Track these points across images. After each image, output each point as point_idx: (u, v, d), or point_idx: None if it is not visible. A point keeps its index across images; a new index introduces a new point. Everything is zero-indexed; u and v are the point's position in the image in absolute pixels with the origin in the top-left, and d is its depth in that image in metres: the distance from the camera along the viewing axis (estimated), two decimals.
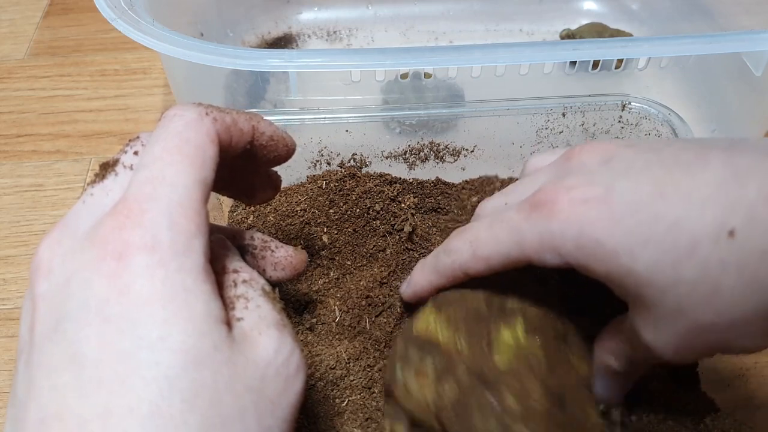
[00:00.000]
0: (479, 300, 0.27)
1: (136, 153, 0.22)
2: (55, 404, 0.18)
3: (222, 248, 0.24)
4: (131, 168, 0.22)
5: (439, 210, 0.40)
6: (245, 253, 0.26)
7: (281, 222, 0.38)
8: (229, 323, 0.21)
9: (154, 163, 0.20)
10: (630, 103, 0.40)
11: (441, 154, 0.42)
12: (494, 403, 0.24)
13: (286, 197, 0.40)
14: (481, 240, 0.26)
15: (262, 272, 0.26)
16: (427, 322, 0.27)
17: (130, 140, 0.23)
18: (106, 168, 0.22)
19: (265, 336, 0.21)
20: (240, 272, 0.23)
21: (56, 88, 0.60)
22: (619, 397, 0.28)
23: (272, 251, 0.27)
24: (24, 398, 0.19)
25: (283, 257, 0.27)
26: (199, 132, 0.21)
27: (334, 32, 0.62)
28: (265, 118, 0.25)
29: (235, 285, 0.22)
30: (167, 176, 0.20)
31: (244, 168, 0.26)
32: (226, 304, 0.21)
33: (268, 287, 0.23)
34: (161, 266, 0.19)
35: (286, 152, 0.26)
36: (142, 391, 0.18)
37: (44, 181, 0.52)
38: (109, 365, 0.18)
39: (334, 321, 0.34)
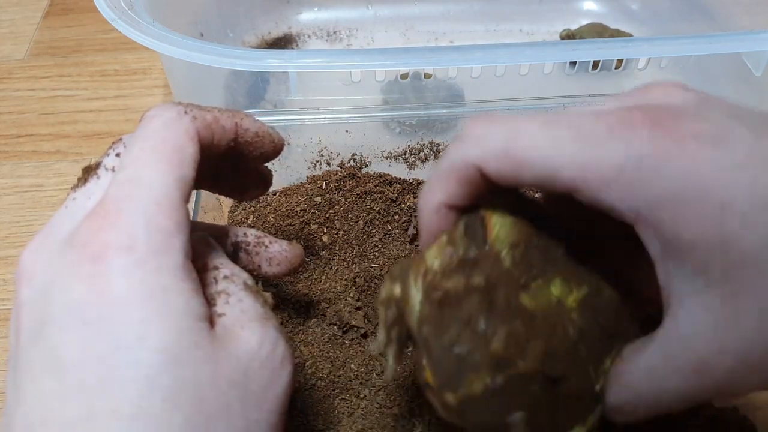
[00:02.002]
0: (534, 231, 0.22)
1: (118, 155, 0.22)
2: (40, 410, 0.18)
3: (203, 246, 0.24)
4: (113, 170, 0.22)
5: None
6: (239, 250, 0.26)
7: (281, 222, 0.38)
8: (212, 320, 0.20)
9: (132, 164, 0.20)
10: None
11: (441, 154, 0.42)
12: (484, 332, 0.20)
13: (286, 197, 0.40)
14: (527, 135, 0.19)
15: (257, 269, 0.26)
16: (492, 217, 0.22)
17: (113, 143, 0.23)
18: (89, 172, 0.22)
19: (247, 330, 0.21)
20: (221, 268, 0.23)
21: (56, 89, 0.60)
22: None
23: (266, 247, 0.26)
24: (12, 405, 0.19)
25: (278, 252, 0.27)
26: (178, 131, 0.21)
27: (334, 32, 0.62)
28: (249, 114, 0.24)
29: (216, 281, 0.22)
30: (144, 176, 0.20)
31: (232, 165, 0.26)
32: (208, 301, 0.21)
33: (250, 281, 0.23)
34: (139, 266, 0.19)
35: (272, 148, 0.26)
36: (122, 393, 0.18)
37: (44, 181, 0.52)
38: (90, 368, 0.18)
39: (334, 321, 0.34)
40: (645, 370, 0.20)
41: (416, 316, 0.22)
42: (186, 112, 0.22)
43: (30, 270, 0.20)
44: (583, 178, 0.18)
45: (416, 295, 0.22)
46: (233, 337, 0.20)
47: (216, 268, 0.23)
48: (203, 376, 0.19)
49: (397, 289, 0.23)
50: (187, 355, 0.19)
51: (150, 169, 0.20)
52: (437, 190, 0.22)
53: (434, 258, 0.22)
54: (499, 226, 0.22)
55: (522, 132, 0.20)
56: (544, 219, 0.23)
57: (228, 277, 0.22)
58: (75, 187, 0.22)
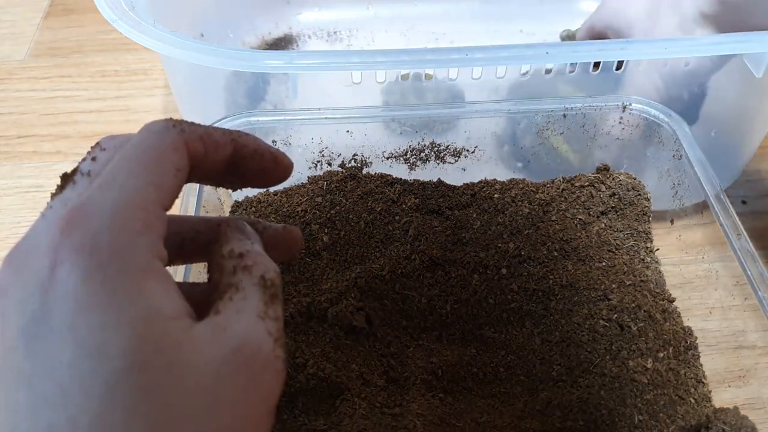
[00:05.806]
0: None
1: (94, 159, 0.22)
2: (11, 422, 0.18)
3: (235, 231, 0.23)
4: (89, 174, 0.22)
5: (440, 212, 0.40)
6: None
7: (282, 222, 0.38)
8: (206, 312, 0.20)
9: (109, 172, 0.20)
10: (630, 105, 0.40)
11: (442, 154, 0.42)
12: None
13: (287, 198, 0.40)
14: None
15: None
16: None
17: (92, 146, 0.23)
18: (66, 179, 0.22)
19: (231, 332, 0.20)
20: (245, 257, 0.22)
21: (57, 89, 0.60)
22: None
23: (260, 233, 0.26)
24: None
25: (272, 237, 0.26)
26: (161, 141, 0.21)
27: (335, 33, 0.62)
28: (248, 133, 0.24)
29: (234, 272, 0.22)
30: (117, 180, 0.20)
31: (238, 176, 0.26)
32: (218, 291, 0.21)
33: (270, 274, 0.22)
34: (99, 269, 0.18)
35: (274, 166, 0.25)
36: (83, 402, 0.17)
37: (45, 182, 0.52)
38: (54, 378, 0.18)
39: (335, 322, 0.34)
40: None
41: None
42: (174, 126, 0.22)
43: (5, 283, 0.20)
44: None
45: None
46: (215, 338, 0.20)
47: (240, 256, 0.22)
48: (167, 381, 0.18)
49: None
50: (151, 361, 0.18)
51: (125, 174, 0.20)
52: None
53: None
54: None
55: None
56: None
57: (248, 267, 0.22)
58: (54, 195, 0.22)
